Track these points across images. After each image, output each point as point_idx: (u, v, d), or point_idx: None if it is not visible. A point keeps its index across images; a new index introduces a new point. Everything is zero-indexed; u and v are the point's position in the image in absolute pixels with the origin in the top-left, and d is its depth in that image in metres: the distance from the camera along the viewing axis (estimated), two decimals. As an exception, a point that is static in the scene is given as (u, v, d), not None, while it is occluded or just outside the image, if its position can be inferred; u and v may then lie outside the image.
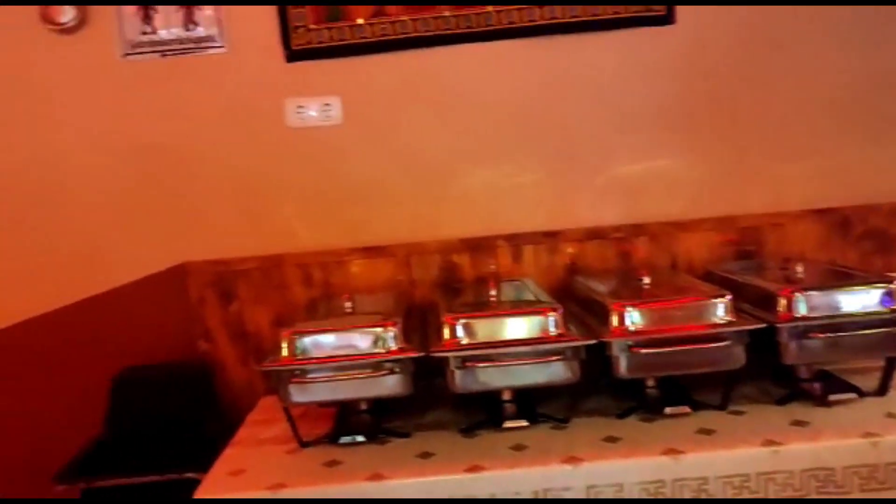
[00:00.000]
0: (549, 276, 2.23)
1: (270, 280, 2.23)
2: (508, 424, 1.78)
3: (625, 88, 2.21)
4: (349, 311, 1.93)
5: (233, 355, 2.27)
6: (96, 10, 2.14)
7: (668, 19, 2.15)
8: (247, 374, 2.27)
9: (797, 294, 1.75)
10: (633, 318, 1.73)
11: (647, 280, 1.92)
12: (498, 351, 1.70)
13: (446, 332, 1.72)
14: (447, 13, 2.12)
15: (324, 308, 2.10)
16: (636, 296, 1.84)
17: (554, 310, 1.74)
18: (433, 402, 1.95)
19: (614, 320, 1.74)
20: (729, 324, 1.72)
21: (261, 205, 2.23)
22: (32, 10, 2.09)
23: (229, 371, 2.27)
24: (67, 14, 2.10)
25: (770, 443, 1.59)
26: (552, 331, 1.72)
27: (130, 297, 2.19)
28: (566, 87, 2.21)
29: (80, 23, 2.12)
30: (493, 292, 1.90)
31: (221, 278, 2.23)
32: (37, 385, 2.19)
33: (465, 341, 1.72)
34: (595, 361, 1.73)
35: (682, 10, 2.16)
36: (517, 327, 1.73)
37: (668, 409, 1.78)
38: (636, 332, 1.72)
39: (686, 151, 2.24)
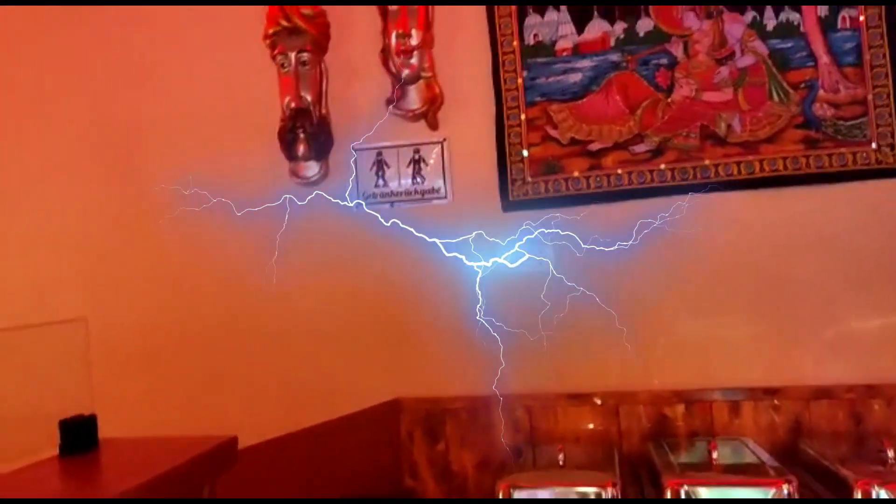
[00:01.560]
0: (770, 435, 2.09)
1: (476, 421, 2.27)
2: None
3: (856, 240, 2.10)
4: (561, 463, 1.91)
5: (436, 494, 2.29)
6: (337, 166, 2.39)
7: (901, 170, 2.04)
8: (449, 513, 2.29)
9: None
10: (881, 497, 1.58)
11: (891, 453, 1.74)
12: (728, 524, 1.60)
13: (669, 496, 1.65)
14: (663, 166, 2.15)
15: (530, 455, 2.09)
16: (881, 471, 1.68)
17: (788, 481, 1.63)
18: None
19: (858, 498, 1.59)
20: None
21: (471, 345, 2.30)
22: (284, 167, 2.38)
23: (432, 509, 2.30)
24: (312, 169, 2.37)
25: None
26: (786, 505, 1.60)
27: (347, 429, 2.30)
28: (790, 238, 2.13)
29: (322, 177, 2.38)
30: (714, 454, 1.81)
31: (430, 416, 2.30)
32: (258, 507, 2.32)
33: (688, 508, 1.64)
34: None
35: (917, 160, 2.06)
36: (747, 497, 1.63)
37: None
38: (886, 515, 1.56)
39: (927, 308, 2.07)
